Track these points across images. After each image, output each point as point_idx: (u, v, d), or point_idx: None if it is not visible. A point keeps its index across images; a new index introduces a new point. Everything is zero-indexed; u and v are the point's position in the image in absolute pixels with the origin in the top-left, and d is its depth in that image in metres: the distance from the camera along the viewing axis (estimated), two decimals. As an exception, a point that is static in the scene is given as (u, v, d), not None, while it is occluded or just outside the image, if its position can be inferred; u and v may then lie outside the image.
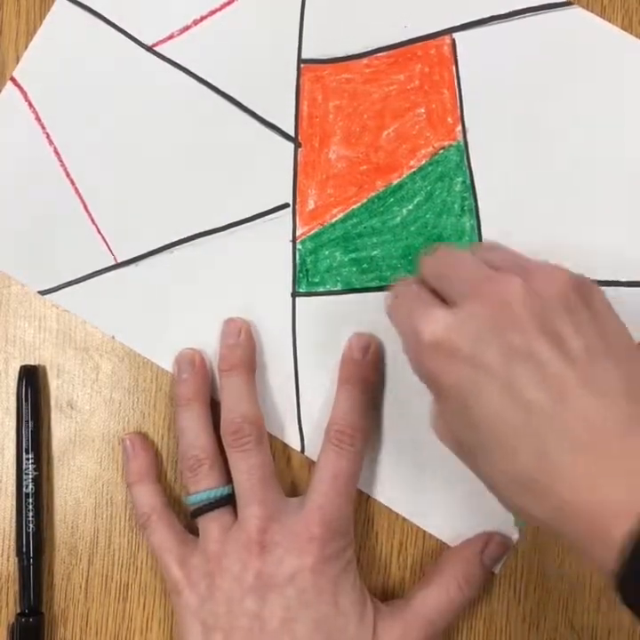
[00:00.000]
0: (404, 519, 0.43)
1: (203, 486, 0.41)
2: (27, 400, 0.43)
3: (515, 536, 0.42)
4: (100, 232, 0.44)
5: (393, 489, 0.43)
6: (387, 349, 0.43)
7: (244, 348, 0.42)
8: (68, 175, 0.44)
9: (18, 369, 0.44)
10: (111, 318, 0.44)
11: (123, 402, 0.44)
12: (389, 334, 0.43)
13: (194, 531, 0.42)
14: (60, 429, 0.44)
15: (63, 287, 0.44)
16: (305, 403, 0.43)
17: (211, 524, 0.40)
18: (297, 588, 0.39)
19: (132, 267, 0.44)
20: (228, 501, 0.41)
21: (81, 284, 0.44)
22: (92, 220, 0.44)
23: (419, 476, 0.43)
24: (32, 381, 0.43)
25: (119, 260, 0.44)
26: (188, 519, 0.42)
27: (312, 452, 0.43)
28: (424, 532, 0.43)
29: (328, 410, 0.42)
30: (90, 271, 0.44)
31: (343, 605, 0.39)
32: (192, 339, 0.44)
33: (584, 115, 0.43)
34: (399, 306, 0.37)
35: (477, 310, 0.33)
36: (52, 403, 0.44)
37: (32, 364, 0.44)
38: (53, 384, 0.44)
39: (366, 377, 0.42)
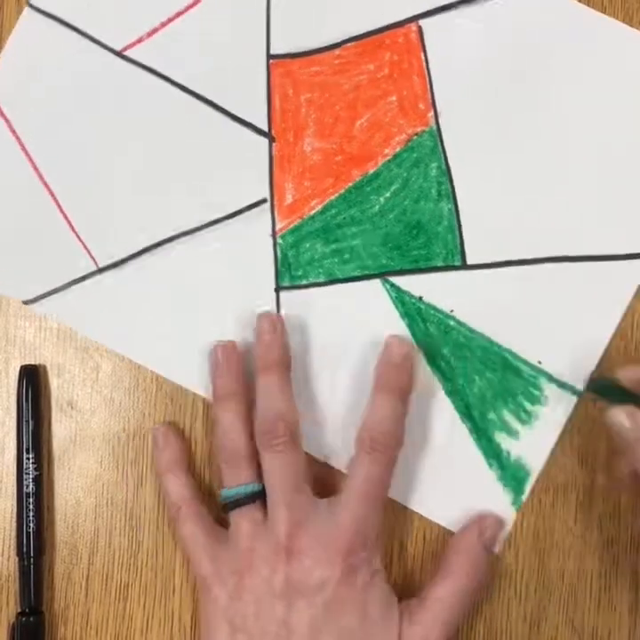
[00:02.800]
0: (404, 519, 0.43)
1: (236, 481, 0.41)
2: (27, 400, 0.43)
3: (510, 515, 0.42)
4: (79, 238, 0.44)
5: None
6: (368, 339, 0.43)
7: (281, 346, 0.42)
8: (44, 183, 0.44)
9: (18, 368, 0.44)
10: (97, 324, 0.44)
11: (123, 402, 0.44)
12: (372, 325, 0.43)
13: (223, 524, 0.42)
14: (61, 429, 0.44)
15: (47, 296, 0.44)
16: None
17: (241, 520, 0.40)
18: (325, 597, 0.38)
19: (113, 271, 0.44)
20: (260, 497, 0.40)
21: (64, 291, 0.44)
22: (72, 227, 0.44)
23: (410, 461, 0.43)
24: (32, 381, 0.43)
25: (100, 266, 0.44)
26: (219, 513, 0.42)
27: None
28: (424, 532, 0.43)
29: (313, 402, 0.42)
30: (72, 278, 0.44)
31: (370, 614, 0.39)
32: (178, 338, 0.44)
33: (554, 95, 0.43)
34: None
35: None
36: (53, 402, 0.44)
37: (32, 363, 0.44)
38: (54, 384, 0.44)
39: (402, 383, 0.41)
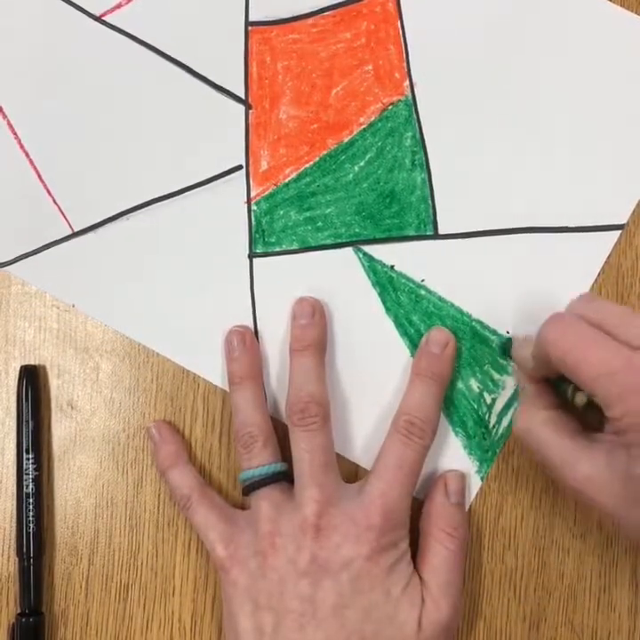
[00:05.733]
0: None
1: (256, 463, 0.41)
2: (27, 400, 0.43)
3: (476, 483, 0.43)
4: (55, 202, 0.44)
5: (362, 446, 0.43)
6: (339, 306, 0.43)
7: (318, 329, 0.42)
8: (21, 147, 0.44)
9: (18, 369, 0.44)
10: (70, 287, 0.44)
11: (123, 402, 0.44)
12: (343, 293, 0.43)
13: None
14: (61, 429, 0.44)
15: (22, 258, 0.44)
16: (265, 362, 0.43)
17: (262, 502, 0.40)
18: (351, 574, 0.39)
19: (89, 235, 0.44)
20: (281, 479, 0.41)
21: (39, 254, 0.44)
22: (48, 191, 0.44)
23: (377, 428, 0.43)
24: (32, 381, 0.43)
25: (76, 230, 0.44)
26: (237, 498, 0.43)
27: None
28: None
29: (286, 369, 0.42)
30: (47, 242, 0.44)
31: (394, 594, 0.39)
32: (150, 302, 0.44)
33: (530, 67, 0.43)
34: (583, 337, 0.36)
35: None
36: (53, 403, 0.44)
37: (32, 363, 0.44)
38: (54, 384, 0.44)
39: (441, 372, 0.42)
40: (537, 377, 0.39)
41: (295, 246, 0.44)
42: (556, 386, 0.38)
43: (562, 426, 0.37)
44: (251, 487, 0.41)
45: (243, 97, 0.44)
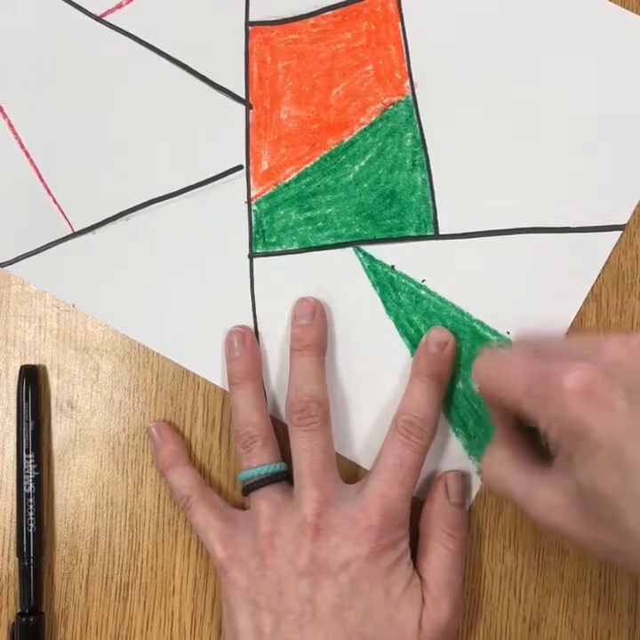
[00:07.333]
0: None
1: (255, 463, 0.41)
2: (27, 400, 0.43)
3: (476, 483, 0.43)
4: (56, 202, 0.44)
5: (362, 446, 0.43)
6: (339, 307, 0.43)
7: (318, 329, 0.42)
8: (22, 147, 0.44)
9: (18, 369, 0.44)
10: (70, 287, 0.44)
11: (123, 402, 0.44)
12: (343, 293, 0.43)
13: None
14: (61, 429, 0.44)
15: (22, 258, 0.44)
16: (265, 362, 0.44)
17: (261, 501, 0.40)
18: (350, 575, 0.38)
19: (89, 235, 0.44)
20: (280, 479, 0.41)
21: (39, 254, 0.44)
22: (48, 191, 0.44)
23: (377, 427, 0.43)
24: (32, 381, 0.43)
25: (76, 230, 0.44)
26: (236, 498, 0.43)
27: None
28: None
29: (286, 371, 0.42)
30: (48, 241, 0.44)
31: (394, 595, 0.39)
32: (150, 304, 0.44)
33: (531, 67, 0.43)
34: (508, 364, 0.36)
35: (620, 357, 0.33)
36: (53, 403, 0.44)
37: (32, 363, 0.44)
38: (54, 384, 0.44)
39: (441, 372, 0.42)
40: (503, 420, 0.38)
41: (295, 246, 0.44)
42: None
43: (521, 462, 0.37)
44: (250, 487, 0.41)
45: (243, 97, 0.44)
